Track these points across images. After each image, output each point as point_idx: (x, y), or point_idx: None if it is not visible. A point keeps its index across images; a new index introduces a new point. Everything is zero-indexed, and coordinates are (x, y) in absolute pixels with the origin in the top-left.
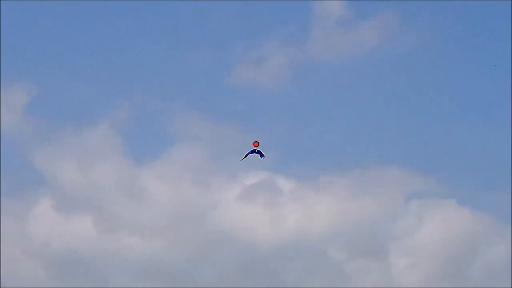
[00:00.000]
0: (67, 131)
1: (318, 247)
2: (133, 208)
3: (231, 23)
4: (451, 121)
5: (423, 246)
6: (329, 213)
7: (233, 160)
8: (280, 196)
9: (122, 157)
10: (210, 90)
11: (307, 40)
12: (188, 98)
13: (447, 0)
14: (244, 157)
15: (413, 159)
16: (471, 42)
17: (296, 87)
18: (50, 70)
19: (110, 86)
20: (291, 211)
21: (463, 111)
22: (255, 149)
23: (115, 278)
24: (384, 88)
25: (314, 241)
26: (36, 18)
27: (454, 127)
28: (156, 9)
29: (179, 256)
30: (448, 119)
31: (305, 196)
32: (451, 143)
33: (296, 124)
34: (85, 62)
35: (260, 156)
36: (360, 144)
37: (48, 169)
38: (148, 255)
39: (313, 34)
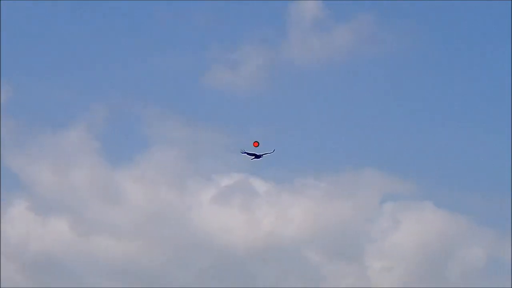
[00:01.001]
0: (43, 134)
1: (294, 249)
2: (109, 210)
3: (207, 25)
4: (428, 123)
5: (399, 248)
6: (305, 215)
7: (209, 162)
8: (255, 198)
9: (98, 160)
10: (186, 93)
11: (283, 42)
12: (163, 101)
13: (424, 1)
14: (245, 153)
15: (389, 162)
16: (448, 43)
17: (272, 89)
18: (25, 71)
19: (86, 88)
20: (267, 213)
21: (440, 114)
22: (255, 153)
23: (91, 280)
24: (360, 90)
25: (290, 244)
26: (12, 18)
27: (430, 129)
28: (132, 11)
29: (154, 258)
30: (424, 122)
31: (281, 198)
32: (427, 145)
33: (271, 126)
34: (61, 65)
35: (257, 157)
36: (336, 147)
37: (24, 171)
38: (124, 257)
39: (289, 36)
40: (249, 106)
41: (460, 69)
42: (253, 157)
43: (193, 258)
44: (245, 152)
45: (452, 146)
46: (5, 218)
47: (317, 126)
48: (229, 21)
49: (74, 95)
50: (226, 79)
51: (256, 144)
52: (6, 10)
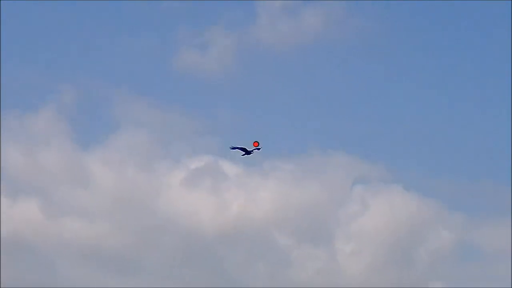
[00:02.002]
0: (12, 116)
1: (263, 232)
2: (78, 192)
3: (176, 7)
4: (397, 106)
5: (369, 231)
6: (274, 198)
7: (178, 144)
8: (224, 181)
9: (67, 142)
10: (155, 75)
11: (252, 25)
12: (132, 83)
13: None
14: (235, 148)
15: (359, 145)
16: (416, 28)
17: (241, 72)
18: None
19: (55, 71)
20: (236, 196)
21: (409, 96)
22: (245, 148)
23: (60, 262)
24: (329, 73)
25: (259, 226)
26: None
27: (400, 112)
28: None
29: (123, 241)
30: (394, 105)
31: (250, 181)
32: (396, 129)
33: (241, 108)
34: (29, 46)
35: (247, 153)
36: (305, 130)
37: None
38: (93, 239)
39: (258, 19)
40: (217, 89)
41: (428, 51)
42: (244, 153)
43: (162, 240)
44: (235, 148)
45: (422, 129)
46: None
47: (286, 109)
48: (198, 3)
49: (43, 77)
50: (195, 61)
51: (256, 144)
52: None
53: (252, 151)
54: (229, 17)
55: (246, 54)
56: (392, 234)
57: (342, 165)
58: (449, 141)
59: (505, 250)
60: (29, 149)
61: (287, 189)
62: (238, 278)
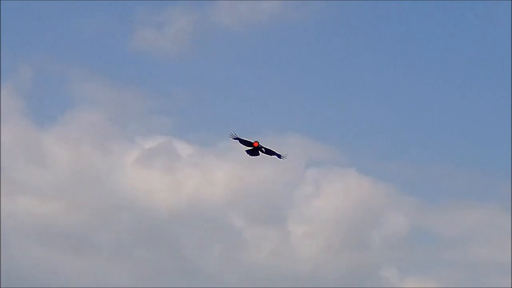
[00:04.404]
0: None
1: (217, 213)
2: (33, 171)
3: None
4: (351, 88)
5: (322, 214)
6: (228, 179)
7: (133, 124)
8: (179, 161)
9: (22, 120)
10: (111, 54)
11: (210, 5)
12: (88, 62)
13: None
14: (237, 139)
15: (312, 127)
16: (373, 9)
17: (198, 52)
18: None
19: (11, 49)
20: (190, 176)
21: (364, 79)
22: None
23: (14, 240)
24: (286, 54)
25: (213, 207)
26: None
27: (354, 95)
28: None
29: (77, 220)
30: (348, 87)
31: (204, 161)
32: (350, 110)
33: (197, 89)
34: None
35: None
36: (260, 110)
37: None
38: (47, 218)
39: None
40: (174, 69)
41: (386, 32)
42: (249, 150)
43: (116, 220)
44: (237, 138)
45: (377, 112)
46: None
47: (242, 89)
48: None
49: None
50: (151, 41)
51: (256, 144)
52: None
53: (257, 150)
54: None
55: (204, 34)
56: (346, 218)
57: (296, 147)
58: (404, 124)
59: (460, 235)
60: None
61: (242, 170)
62: (192, 258)
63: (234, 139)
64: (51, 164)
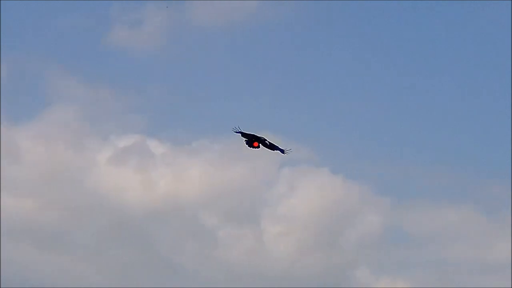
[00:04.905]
0: None
1: (191, 212)
2: (6, 168)
3: None
4: (326, 88)
5: (296, 214)
6: (202, 178)
7: (107, 122)
8: (152, 159)
9: None
10: (86, 52)
11: (187, 2)
12: (63, 59)
13: None
14: (239, 133)
15: (286, 126)
16: (353, 7)
17: (174, 50)
18: None
19: None
20: (164, 175)
21: (337, 78)
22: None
23: None
24: (262, 53)
25: (186, 206)
26: None
27: (328, 95)
28: None
29: (51, 218)
30: (323, 86)
31: (178, 160)
32: (324, 110)
33: (171, 87)
34: None
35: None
36: (232, 109)
37: None
38: (21, 216)
39: None
40: (149, 66)
41: (367, 32)
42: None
43: (90, 218)
44: (239, 132)
45: (348, 113)
46: None
47: (216, 87)
48: None
49: None
50: (127, 38)
51: (256, 144)
52: None
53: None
54: None
55: (180, 31)
56: (319, 217)
57: None
58: (377, 124)
59: (433, 235)
60: None
61: (215, 168)
62: (167, 257)
63: (236, 132)
64: (25, 162)
